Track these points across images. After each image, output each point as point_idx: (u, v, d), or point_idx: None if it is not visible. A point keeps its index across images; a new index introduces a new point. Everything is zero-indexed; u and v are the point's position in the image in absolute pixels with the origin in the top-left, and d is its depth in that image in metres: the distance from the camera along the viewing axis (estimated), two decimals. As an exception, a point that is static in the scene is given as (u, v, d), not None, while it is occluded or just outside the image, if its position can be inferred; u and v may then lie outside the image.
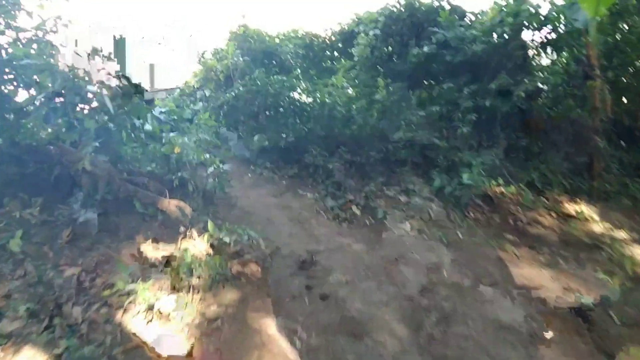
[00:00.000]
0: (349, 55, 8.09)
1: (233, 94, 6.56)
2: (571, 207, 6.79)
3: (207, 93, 7.12)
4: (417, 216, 5.42)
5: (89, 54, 4.23)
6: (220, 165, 4.85)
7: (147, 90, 8.83)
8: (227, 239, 3.87)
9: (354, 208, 5.53)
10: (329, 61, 8.93)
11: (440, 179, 5.90)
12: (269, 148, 6.62)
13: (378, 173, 6.44)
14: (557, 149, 8.12)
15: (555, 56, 8.55)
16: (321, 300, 3.42)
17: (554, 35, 7.58)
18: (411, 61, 7.31)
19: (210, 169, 4.68)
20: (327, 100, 7.27)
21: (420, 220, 5.31)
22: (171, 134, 4.81)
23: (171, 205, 4.00)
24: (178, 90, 8.06)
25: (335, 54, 8.93)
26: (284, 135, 6.61)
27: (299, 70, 8.75)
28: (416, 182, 6.52)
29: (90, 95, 4.30)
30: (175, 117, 6.72)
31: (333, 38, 8.75)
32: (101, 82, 4.32)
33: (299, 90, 7.81)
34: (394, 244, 4.65)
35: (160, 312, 3.07)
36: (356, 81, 7.81)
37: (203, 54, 7.31)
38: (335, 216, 5.33)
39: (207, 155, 4.73)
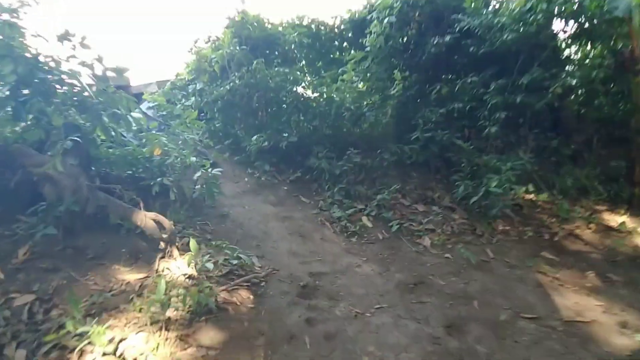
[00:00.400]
0: (360, 46, 7.54)
1: (228, 88, 6.04)
2: (611, 218, 6.19)
3: (200, 86, 6.61)
4: (437, 229, 4.86)
5: (58, 38, 3.71)
6: (210, 169, 4.31)
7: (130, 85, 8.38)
8: (213, 260, 3.34)
9: (364, 219, 4.98)
10: (337, 52, 8.37)
11: (464, 186, 5.31)
12: (269, 149, 6.09)
13: (392, 178, 5.87)
14: (590, 151, 7.51)
15: (588, 48, 7.94)
16: (325, 340, 2.87)
17: (586, 25, 6.96)
18: (430, 52, 6.76)
19: (198, 174, 4.14)
20: (334, 95, 6.72)
21: (442, 235, 4.74)
22: (153, 133, 4.30)
23: (147, 218, 3.49)
24: (169, 83, 7.58)
25: (345, 44, 8.36)
26: (285, 135, 6.07)
27: (303, 62, 8.20)
28: (435, 188, 5.96)
29: (58, 86, 3.81)
30: (165, 113, 6.24)
31: (342, 26, 8.18)
32: (72, 71, 3.82)
33: (303, 84, 7.27)
34: (412, 265, 4.08)
35: (124, 357, 2.55)
36: (368, 74, 7.25)
37: (196, 41, 6.80)
38: (343, 229, 4.79)
39: (194, 158, 4.20)
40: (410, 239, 4.63)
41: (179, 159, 4.11)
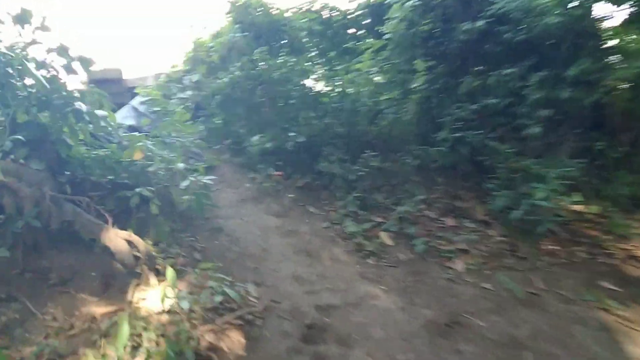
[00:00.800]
0: (378, 34, 6.90)
1: (227, 80, 5.49)
2: (672, 235, 5.40)
3: (197, 78, 6.09)
4: (471, 250, 4.21)
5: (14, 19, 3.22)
6: (202, 176, 3.78)
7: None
8: (195, 292, 2.79)
9: (383, 235, 4.37)
10: (352, 41, 7.74)
11: (503, 198, 4.64)
12: (273, 150, 5.53)
13: (415, 186, 5.24)
14: (637, 153, 6.74)
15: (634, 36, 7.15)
16: (335, 406, 2.29)
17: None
18: (459, 39, 6.07)
19: (186, 182, 3.60)
20: (349, 89, 6.10)
21: (476, 257, 4.10)
22: (136, 134, 3.79)
23: (118, 238, 2.97)
24: (164, 75, 7.09)
25: (361, 31, 7.73)
26: (292, 134, 5.49)
27: (314, 52, 7.60)
28: (465, 198, 5.30)
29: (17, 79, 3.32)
30: (158, 109, 5.75)
31: (358, 12, 7.55)
32: (34, 60, 3.33)
33: (313, 76, 6.68)
34: (443, 297, 3.47)
35: None
36: (387, 66, 6.60)
37: (192, 26, 6.29)
38: (358, 247, 4.19)
39: (182, 165, 3.66)
40: (439, 262, 4.01)
41: (163, 164, 3.57)
